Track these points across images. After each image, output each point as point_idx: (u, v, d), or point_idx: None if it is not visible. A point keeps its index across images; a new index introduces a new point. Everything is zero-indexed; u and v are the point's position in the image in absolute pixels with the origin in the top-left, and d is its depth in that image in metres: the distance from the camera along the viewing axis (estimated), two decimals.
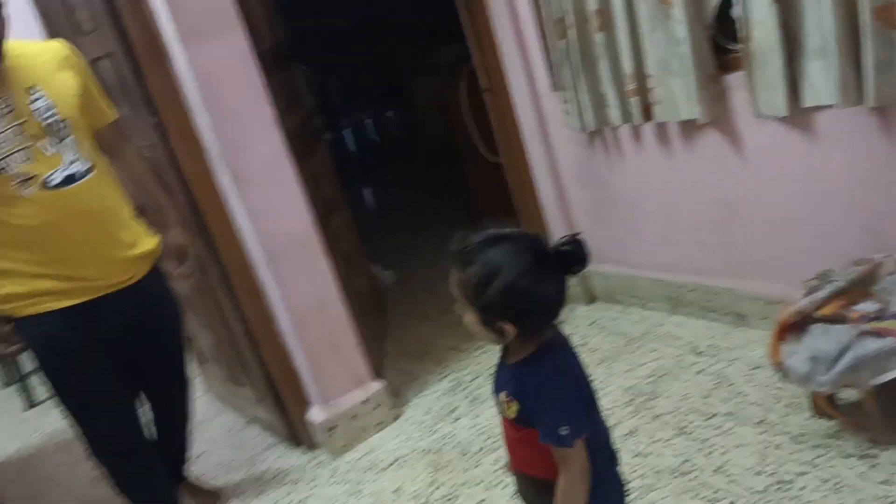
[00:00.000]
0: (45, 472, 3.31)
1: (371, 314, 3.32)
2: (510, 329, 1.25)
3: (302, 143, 2.77)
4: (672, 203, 2.69)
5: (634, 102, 2.52)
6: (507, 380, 1.34)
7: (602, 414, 1.39)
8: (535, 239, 1.27)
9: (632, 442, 2.21)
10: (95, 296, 1.94)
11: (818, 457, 1.93)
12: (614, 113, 2.62)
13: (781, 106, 2.13)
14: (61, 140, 1.86)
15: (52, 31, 2.89)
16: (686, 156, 2.56)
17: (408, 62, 6.30)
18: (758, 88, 2.18)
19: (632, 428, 2.28)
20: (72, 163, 1.86)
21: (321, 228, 2.62)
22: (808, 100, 2.10)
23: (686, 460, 2.07)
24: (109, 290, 1.96)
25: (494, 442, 2.40)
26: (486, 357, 2.97)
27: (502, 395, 1.34)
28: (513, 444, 1.40)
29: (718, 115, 2.37)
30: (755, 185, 2.40)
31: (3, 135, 1.78)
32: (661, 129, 2.59)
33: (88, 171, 1.89)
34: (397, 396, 2.88)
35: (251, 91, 2.37)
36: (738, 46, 2.20)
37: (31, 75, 1.85)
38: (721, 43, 2.33)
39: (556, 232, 3.14)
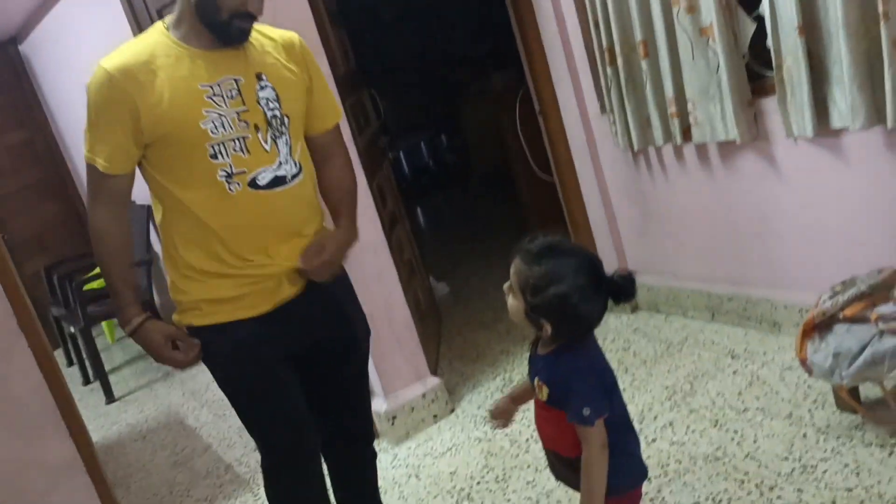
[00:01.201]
0: (128, 460, 3.62)
1: (428, 319, 3.57)
2: (548, 327, 1.47)
3: (371, 160, 3.06)
4: (712, 218, 2.90)
5: (676, 124, 2.75)
6: (540, 368, 1.56)
7: (622, 398, 1.60)
8: (595, 262, 1.48)
9: (669, 432, 2.42)
10: (281, 302, 1.77)
11: (841, 445, 2.11)
12: (657, 134, 2.85)
13: (811, 127, 2.33)
14: (278, 136, 1.70)
15: None
16: (725, 174, 2.77)
17: (461, 88, 6.62)
18: (789, 111, 2.39)
19: (670, 420, 2.48)
20: (282, 164, 1.71)
21: (387, 238, 2.89)
22: (836, 122, 2.31)
23: (719, 447, 2.27)
24: (294, 296, 1.79)
25: None
26: None
27: (536, 381, 1.56)
28: (541, 423, 1.62)
29: (754, 136, 2.58)
30: (790, 201, 2.60)
31: (224, 119, 1.64)
32: (701, 149, 2.81)
33: (296, 175, 1.74)
34: (452, 393, 3.12)
35: None
36: (771, 73, 2.42)
37: (262, 62, 1.72)
38: (756, 70, 2.56)
39: (603, 244, 3.37)
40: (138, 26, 3.21)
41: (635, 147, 2.97)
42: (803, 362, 2.18)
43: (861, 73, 2.14)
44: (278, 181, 1.70)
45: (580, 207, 3.39)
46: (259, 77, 1.70)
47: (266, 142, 1.68)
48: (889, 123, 2.11)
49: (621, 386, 1.67)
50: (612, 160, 3.19)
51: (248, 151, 1.66)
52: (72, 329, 4.53)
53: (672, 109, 2.73)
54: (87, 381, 4.80)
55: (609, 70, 2.93)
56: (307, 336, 1.84)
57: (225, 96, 1.65)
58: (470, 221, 6.21)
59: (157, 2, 2.93)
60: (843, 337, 2.09)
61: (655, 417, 2.52)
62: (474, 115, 6.35)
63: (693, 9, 2.53)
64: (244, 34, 1.67)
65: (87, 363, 4.69)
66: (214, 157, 1.64)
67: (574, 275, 1.43)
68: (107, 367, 4.52)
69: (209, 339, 1.75)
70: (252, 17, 1.66)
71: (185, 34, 1.67)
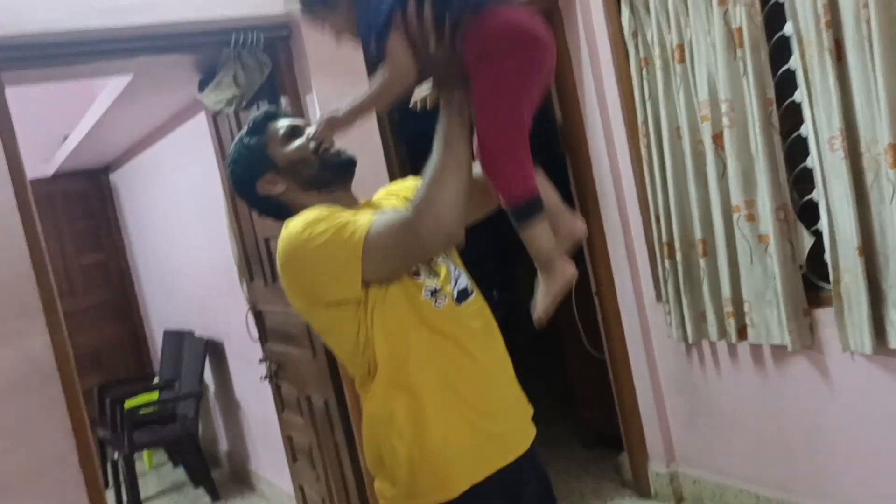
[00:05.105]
0: None
1: None
2: None
3: None
4: (763, 420, 2.88)
5: (731, 323, 2.80)
6: None
7: None
8: None
9: None
10: (510, 458, 1.53)
11: None
12: (712, 329, 2.90)
13: (867, 345, 2.36)
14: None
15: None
16: (777, 377, 2.78)
17: (516, 248, 6.81)
18: (846, 326, 2.44)
19: None
20: (456, 278, 1.60)
21: None
22: (893, 342, 2.33)
23: None
24: (520, 453, 1.55)
25: None
26: None
27: None
28: None
29: (808, 344, 2.61)
30: (842, 415, 2.59)
31: None
32: (756, 350, 2.84)
33: (470, 287, 1.62)
34: None
35: None
36: (829, 286, 2.48)
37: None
38: (813, 280, 2.62)
39: (651, 430, 3.35)
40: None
41: (689, 339, 3.01)
42: None
43: None
44: (463, 294, 1.59)
45: (630, 391, 3.40)
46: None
47: (439, 259, 1.61)
48: None
49: None
50: (665, 348, 3.23)
51: (433, 272, 1.57)
52: (115, 454, 4.58)
53: (728, 308, 2.79)
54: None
55: (667, 263, 3.03)
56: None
57: None
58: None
59: None
60: None
61: None
62: (528, 278, 6.49)
63: (752, 217, 2.65)
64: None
65: (124, 489, 4.70)
66: (416, 274, 1.53)
67: None
68: (141, 495, 4.53)
69: None
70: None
71: None
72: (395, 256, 1.45)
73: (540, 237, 1.47)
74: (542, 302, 1.51)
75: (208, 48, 2.78)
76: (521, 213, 1.45)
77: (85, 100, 4.56)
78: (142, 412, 4.84)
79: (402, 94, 1.47)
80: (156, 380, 5.48)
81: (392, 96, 1.45)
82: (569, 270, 1.50)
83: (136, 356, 6.24)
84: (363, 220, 1.45)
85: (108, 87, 3.88)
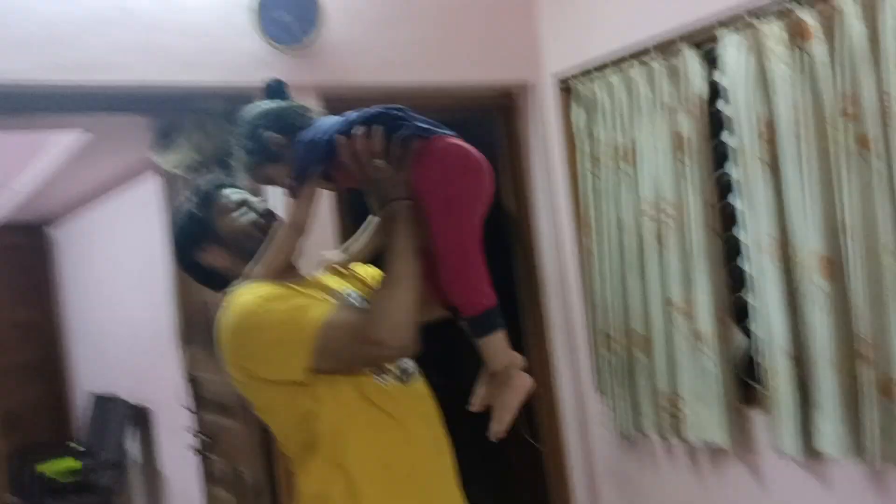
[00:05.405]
0: None
1: None
2: None
3: None
4: None
5: (666, 418, 2.84)
6: None
7: None
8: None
9: None
10: None
11: None
12: (648, 423, 2.93)
13: (796, 448, 2.41)
14: None
15: None
16: (712, 476, 2.81)
17: (458, 333, 6.80)
18: (776, 428, 2.49)
19: None
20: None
21: None
22: (820, 447, 2.39)
23: None
24: None
25: None
26: None
27: None
28: None
29: (741, 443, 2.66)
30: None
31: None
32: (690, 447, 2.87)
33: (412, 368, 1.62)
34: None
35: None
36: (760, 388, 2.55)
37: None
38: (748, 381, 2.69)
39: None
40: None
41: (626, 432, 3.03)
42: None
43: (845, 408, 2.27)
44: (405, 373, 1.60)
45: (564, 481, 3.38)
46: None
47: None
48: (874, 461, 2.19)
49: None
50: (603, 439, 3.24)
51: None
52: None
53: (664, 403, 2.83)
54: None
55: (606, 354, 3.07)
56: None
57: None
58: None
59: None
60: None
61: None
62: (469, 364, 6.49)
63: (690, 315, 2.72)
64: None
65: None
66: None
67: None
68: None
69: None
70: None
71: None
72: (346, 356, 1.45)
73: (499, 348, 1.52)
74: (501, 415, 1.54)
75: (171, 112, 2.80)
76: (483, 323, 1.51)
77: (26, 150, 4.42)
78: (58, 479, 4.61)
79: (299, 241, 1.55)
80: (75, 445, 5.24)
81: (294, 244, 1.54)
82: (526, 381, 1.55)
83: (57, 420, 5.97)
84: (320, 307, 1.44)
85: (61, 144, 3.84)
